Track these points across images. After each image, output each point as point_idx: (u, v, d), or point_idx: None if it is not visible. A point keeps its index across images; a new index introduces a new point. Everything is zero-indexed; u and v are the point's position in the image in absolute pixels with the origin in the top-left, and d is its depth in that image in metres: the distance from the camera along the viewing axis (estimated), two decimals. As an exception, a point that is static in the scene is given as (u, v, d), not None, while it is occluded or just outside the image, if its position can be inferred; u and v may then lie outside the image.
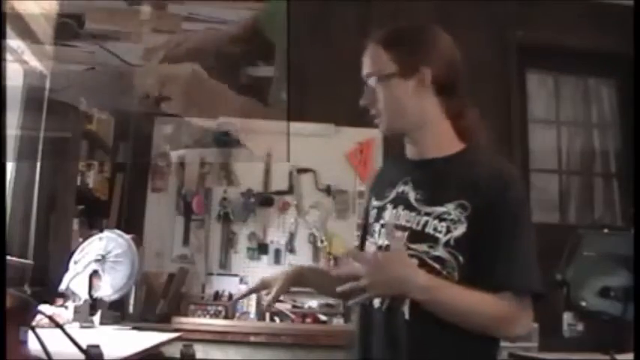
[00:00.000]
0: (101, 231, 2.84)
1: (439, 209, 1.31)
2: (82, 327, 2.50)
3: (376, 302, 1.35)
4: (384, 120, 1.40)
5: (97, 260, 2.62)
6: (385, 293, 1.30)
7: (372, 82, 1.40)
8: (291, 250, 3.80)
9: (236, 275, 3.74)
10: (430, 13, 3.80)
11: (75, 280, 2.59)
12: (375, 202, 1.46)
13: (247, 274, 3.75)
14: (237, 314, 3.58)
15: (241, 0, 4.08)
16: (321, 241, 3.79)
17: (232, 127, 3.86)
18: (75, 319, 2.53)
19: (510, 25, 4.16)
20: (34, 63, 2.99)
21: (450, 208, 1.29)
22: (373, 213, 1.45)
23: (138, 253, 2.70)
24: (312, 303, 3.65)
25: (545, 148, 4.34)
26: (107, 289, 2.62)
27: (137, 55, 3.91)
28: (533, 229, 1.32)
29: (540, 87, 4.43)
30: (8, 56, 2.77)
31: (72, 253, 2.69)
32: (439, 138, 1.39)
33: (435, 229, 1.30)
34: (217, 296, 3.66)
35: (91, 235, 2.79)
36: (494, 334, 1.27)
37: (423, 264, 1.28)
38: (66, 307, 2.57)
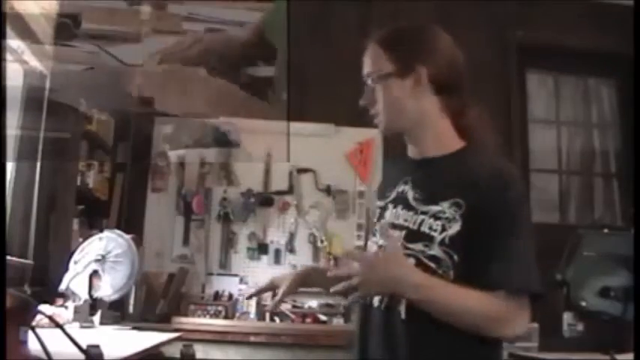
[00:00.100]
0: (101, 231, 2.84)
1: (434, 208, 1.31)
2: (82, 327, 2.50)
3: (375, 301, 1.35)
4: (382, 120, 1.41)
5: (97, 260, 2.62)
6: (377, 292, 1.31)
7: (371, 81, 1.41)
8: (291, 250, 3.80)
9: (236, 275, 3.74)
10: (430, 13, 3.80)
11: (75, 280, 2.59)
12: (378, 202, 1.48)
13: (247, 274, 3.75)
14: (237, 314, 3.58)
15: (241, 0, 4.08)
16: (321, 241, 3.79)
17: (232, 127, 3.87)
18: (75, 319, 2.53)
19: (510, 25, 4.15)
20: (34, 63, 2.99)
21: (444, 207, 1.29)
22: (376, 213, 1.47)
23: (138, 253, 2.70)
24: (312, 303, 3.65)
25: (545, 148, 4.34)
26: (107, 289, 2.62)
27: (137, 55, 3.91)
28: (531, 229, 1.31)
29: (540, 87, 4.43)
30: (8, 56, 2.77)
31: (72, 253, 2.69)
32: (439, 137, 1.39)
33: (430, 227, 1.30)
34: (217, 296, 3.66)
35: (91, 235, 2.80)
36: (490, 334, 1.25)
37: (419, 263, 1.28)
38: (66, 307, 2.57)
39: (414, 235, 1.32)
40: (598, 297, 2.68)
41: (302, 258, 3.77)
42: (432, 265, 1.27)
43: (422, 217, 1.32)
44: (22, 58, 2.90)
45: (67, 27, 3.60)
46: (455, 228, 1.27)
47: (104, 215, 3.63)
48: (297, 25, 3.94)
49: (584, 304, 2.71)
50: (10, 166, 2.87)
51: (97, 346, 1.27)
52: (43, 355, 1.13)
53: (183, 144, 3.86)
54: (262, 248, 3.80)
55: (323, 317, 3.58)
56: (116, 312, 3.08)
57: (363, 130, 3.75)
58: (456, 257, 1.26)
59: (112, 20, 3.88)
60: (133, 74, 3.84)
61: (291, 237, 3.82)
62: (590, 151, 4.42)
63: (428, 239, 1.29)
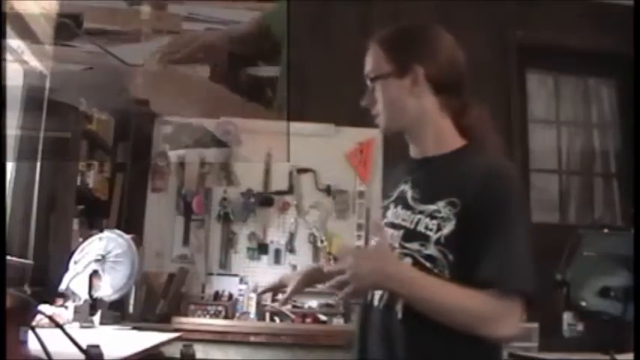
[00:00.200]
0: (101, 231, 2.84)
1: (431, 207, 1.31)
2: (82, 327, 2.50)
3: (376, 300, 1.35)
4: (383, 120, 1.41)
5: (97, 260, 2.62)
6: (367, 286, 1.30)
7: (370, 81, 1.41)
8: (291, 250, 3.81)
9: (236, 275, 3.74)
10: (430, 13, 3.80)
11: (75, 280, 2.59)
12: (383, 202, 1.49)
13: (247, 274, 3.75)
14: (237, 314, 3.58)
15: (241, 0, 4.08)
16: (321, 241, 3.79)
17: (232, 127, 3.87)
18: (75, 319, 2.53)
19: (510, 25, 4.16)
20: (34, 63, 2.99)
21: (440, 206, 1.29)
22: (381, 212, 1.47)
23: (138, 253, 2.70)
24: (312, 303, 3.65)
25: (545, 148, 4.34)
26: (107, 289, 2.62)
27: (137, 54, 3.91)
28: (527, 229, 1.29)
29: (540, 87, 4.43)
30: (8, 56, 2.77)
31: (72, 253, 2.69)
32: (439, 136, 1.39)
33: (426, 227, 1.30)
34: (217, 296, 3.66)
35: (91, 235, 2.80)
36: (480, 333, 1.22)
37: (415, 262, 1.28)
38: (66, 307, 2.57)
39: (411, 235, 1.32)
40: (598, 297, 2.68)
41: (302, 258, 3.77)
42: (428, 264, 1.27)
43: (419, 216, 1.32)
44: (22, 58, 2.90)
45: (67, 27, 3.60)
46: (449, 227, 1.26)
47: (104, 215, 3.63)
48: (297, 25, 3.94)
49: (584, 304, 2.71)
50: (10, 166, 2.87)
51: (97, 346, 1.27)
52: (43, 355, 1.13)
53: (183, 144, 3.86)
54: (262, 248, 3.80)
55: (323, 317, 3.58)
56: (116, 312, 3.08)
57: (363, 130, 3.75)
58: (450, 257, 1.26)
59: (112, 20, 3.89)
60: (132, 74, 3.84)
61: (291, 237, 3.82)
62: (590, 151, 4.42)
63: (424, 239, 1.29)
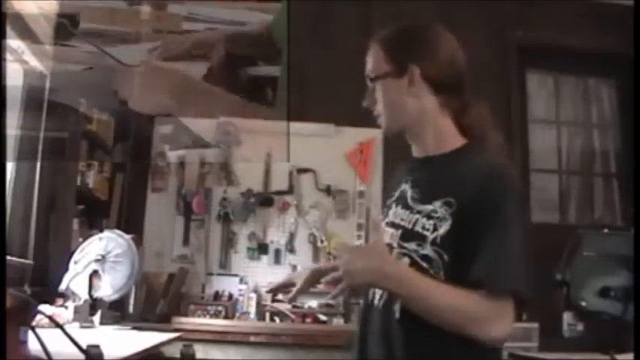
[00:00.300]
0: (101, 231, 2.84)
1: (428, 207, 1.30)
2: (82, 327, 2.50)
3: (376, 300, 1.35)
4: (383, 120, 1.41)
5: (97, 260, 2.62)
6: (359, 284, 1.30)
7: (370, 81, 1.42)
8: (291, 250, 3.80)
9: (236, 275, 3.74)
10: (430, 13, 3.80)
11: (75, 280, 2.59)
12: (386, 201, 1.48)
13: (247, 274, 3.75)
14: (237, 314, 3.58)
15: (241, 0, 4.08)
16: (321, 241, 3.79)
17: (232, 127, 3.87)
18: (75, 319, 2.53)
19: (510, 25, 4.16)
20: (34, 63, 2.99)
21: (437, 206, 1.29)
22: (384, 212, 1.47)
23: (138, 253, 2.70)
24: (312, 303, 3.65)
25: (545, 148, 4.34)
26: (107, 289, 2.62)
27: (137, 55, 3.91)
28: (523, 229, 1.27)
29: (540, 87, 4.43)
30: (8, 56, 2.77)
31: (72, 253, 2.69)
32: (439, 135, 1.39)
33: (423, 227, 1.29)
34: (217, 296, 3.66)
35: (91, 235, 2.80)
36: (472, 334, 1.21)
37: (413, 262, 1.28)
38: (66, 307, 2.57)
39: (408, 235, 1.32)
40: (598, 297, 2.68)
41: (302, 258, 3.77)
42: (425, 264, 1.27)
43: (416, 216, 1.32)
44: (22, 58, 2.90)
45: (65, 27, 3.59)
46: (445, 227, 1.26)
47: (104, 215, 3.63)
48: (297, 25, 3.94)
49: (584, 304, 2.71)
50: (10, 166, 2.87)
51: (97, 346, 1.27)
52: (43, 355, 1.13)
53: (183, 144, 3.86)
54: (262, 248, 3.80)
55: (323, 317, 3.57)
56: (116, 312, 3.08)
57: (363, 130, 3.75)
58: (446, 257, 1.25)
59: (111, 20, 3.89)
60: (129, 75, 3.84)
61: (291, 237, 3.82)
62: (590, 151, 4.42)
63: (421, 239, 1.29)
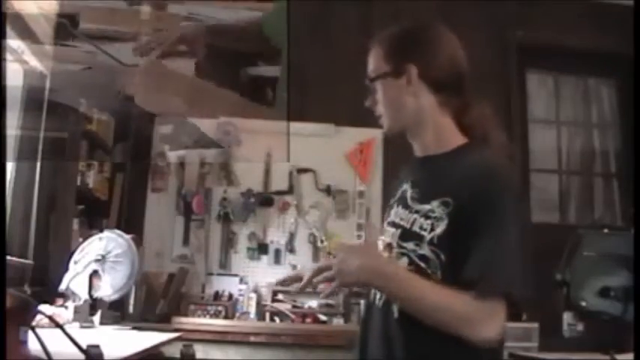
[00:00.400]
0: (101, 231, 2.84)
1: (426, 207, 1.30)
2: (82, 327, 2.50)
3: (377, 299, 1.35)
4: (384, 120, 1.42)
5: (97, 260, 2.62)
6: (351, 282, 1.32)
7: (370, 81, 1.42)
8: (291, 250, 3.80)
9: (236, 275, 3.74)
10: (431, 13, 3.80)
11: (75, 280, 2.59)
12: (389, 201, 1.49)
13: (247, 274, 3.75)
14: (237, 314, 3.58)
15: (241, 0, 4.08)
16: (321, 241, 3.79)
17: (232, 127, 3.87)
18: (75, 319, 2.53)
19: (510, 25, 4.16)
20: (34, 63, 2.99)
21: (434, 206, 1.28)
22: (387, 211, 1.47)
23: (138, 253, 2.70)
24: (312, 303, 3.65)
25: (545, 148, 4.34)
26: (107, 289, 2.62)
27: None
28: (519, 230, 1.26)
29: (540, 87, 4.43)
30: (8, 56, 2.77)
31: (72, 253, 2.69)
32: (439, 135, 1.39)
33: (421, 227, 1.29)
34: (217, 296, 3.65)
35: (91, 235, 2.80)
36: (462, 334, 1.21)
37: (411, 262, 1.29)
38: (66, 307, 2.57)
39: (407, 234, 1.32)
40: (598, 297, 2.68)
41: (302, 258, 3.77)
42: (423, 264, 1.27)
43: (415, 216, 1.32)
44: (22, 58, 2.90)
45: (65, 27, 3.59)
46: (442, 227, 1.26)
47: (104, 215, 3.63)
48: (297, 25, 3.94)
49: (584, 304, 2.71)
50: (10, 166, 2.87)
51: (97, 346, 1.27)
52: (43, 355, 1.13)
53: (183, 144, 3.86)
54: (262, 248, 3.80)
55: (323, 317, 3.57)
56: (116, 312, 3.08)
57: (363, 130, 3.76)
58: (443, 257, 1.25)
59: (111, 20, 3.88)
60: (127, 74, 3.83)
61: (291, 237, 3.82)
62: (590, 151, 4.42)
63: (418, 238, 1.29)
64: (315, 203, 3.87)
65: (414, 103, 1.38)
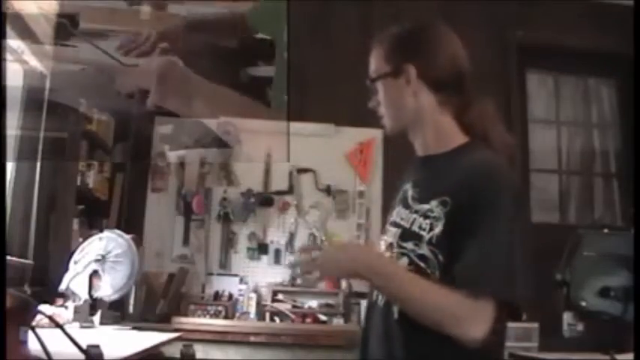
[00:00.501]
0: (101, 231, 2.84)
1: (425, 207, 1.31)
2: (82, 327, 2.50)
3: (379, 299, 1.36)
4: (386, 120, 1.42)
5: (97, 260, 2.62)
6: (336, 272, 1.36)
7: (371, 82, 1.43)
8: (291, 250, 3.80)
9: (236, 275, 3.74)
10: (431, 13, 3.80)
11: (75, 280, 2.59)
12: (393, 201, 1.49)
13: (247, 274, 3.75)
14: (237, 314, 3.58)
15: (242, 0, 4.08)
16: (321, 241, 3.79)
17: (232, 127, 3.87)
18: (75, 319, 2.53)
19: (510, 25, 4.16)
20: (34, 63, 2.99)
21: (433, 205, 1.28)
22: (390, 212, 1.47)
23: (138, 253, 2.70)
24: (312, 303, 3.65)
25: (545, 148, 4.34)
26: (107, 289, 2.62)
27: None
28: (514, 229, 1.24)
29: (540, 87, 4.43)
30: (8, 56, 2.77)
31: (72, 253, 2.69)
32: (439, 134, 1.39)
33: (420, 227, 1.30)
34: (217, 296, 3.66)
35: (91, 235, 2.80)
36: (448, 332, 1.21)
37: (411, 262, 1.29)
38: (66, 307, 2.57)
39: (407, 234, 1.32)
40: (598, 297, 2.67)
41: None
42: (422, 264, 1.27)
43: (414, 215, 1.32)
44: (22, 58, 2.90)
45: (65, 27, 3.59)
46: (440, 227, 1.26)
47: (104, 215, 3.63)
48: (297, 25, 3.94)
49: (584, 304, 2.71)
50: (10, 166, 2.87)
51: (97, 346, 1.27)
52: (43, 355, 1.13)
53: (183, 144, 3.86)
54: (262, 248, 3.80)
55: (323, 317, 3.58)
56: (116, 312, 3.08)
57: (363, 130, 3.76)
58: (440, 257, 1.25)
59: (111, 20, 3.88)
60: (130, 74, 3.81)
61: (291, 237, 3.82)
62: (590, 151, 4.42)
63: (417, 238, 1.29)
64: (315, 203, 3.87)
65: (413, 103, 1.38)
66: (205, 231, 3.80)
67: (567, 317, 2.85)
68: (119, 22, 3.90)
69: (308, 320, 3.55)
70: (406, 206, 1.37)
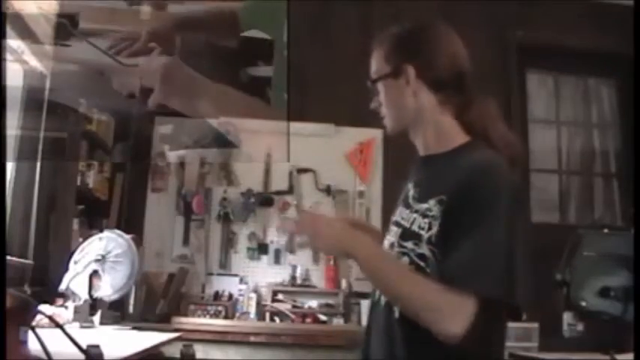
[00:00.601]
0: (101, 231, 2.84)
1: (424, 206, 1.31)
2: (82, 327, 2.50)
3: (382, 298, 1.36)
4: (387, 120, 1.43)
5: (97, 260, 2.62)
6: (324, 249, 1.40)
7: (371, 83, 1.43)
8: (291, 250, 3.80)
9: (236, 275, 3.75)
10: (431, 12, 3.80)
11: (75, 280, 2.59)
12: (397, 201, 1.49)
13: (247, 274, 3.75)
14: (237, 314, 3.58)
15: (242, 0, 4.07)
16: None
17: (232, 127, 3.87)
18: (75, 319, 2.53)
19: (510, 25, 4.16)
20: (34, 63, 2.99)
21: (431, 205, 1.29)
22: (393, 212, 1.47)
23: (138, 253, 2.70)
24: (312, 303, 3.65)
25: (545, 148, 4.34)
26: (107, 289, 2.62)
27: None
28: (508, 228, 1.23)
29: (540, 87, 4.43)
30: (8, 56, 2.77)
31: (72, 253, 2.69)
32: (440, 134, 1.39)
33: (419, 226, 1.30)
34: (217, 296, 3.66)
35: (91, 235, 2.80)
36: (429, 326, 1.20)
37: (411, 262, 1.29)
38: (66, 307, 2.57)
39: (407, 234, 1.33)
40: (598, 297, 2.67)
41: (302, 258, 3.78)
42: (422, 263, 1.27)
43: (414, 215, 1.33)
44: (22, 58, 2.90)
45: (65, 27, 3.58)
46: (437, 226, 1.26)
47: (104, 215, 3.63)
48: (297, 25, 3.94)
49: (584, 304, 2.71)
50: (10, 166, 2.87)
51: (97, 346, 1.27)
52: (43, 355, 1.13)
53: (183, 144, 3.86)
54: (262, 248, 3.80)
55: (323, 317, 3.58)
56: (116, 312, 3.08)
57: (363, 130, 3.76)
58: (439, 256, 1.25)
59: (111, 20, 3.88)
60: (131, 74, 3.80)
61: (291, 237, 3.81)
62: (590, 151, 4.42)
63: (417, 238, 1.29)
64: (315, 203, 3.87)
65: (414, 103, 1.38)
66: (205, 231, 3.80)
67: (567, 317, 2.85)
68: (119, 22, 3.89)
69: (308, 320, 3.55)
70: (407, 206, 1.38)
